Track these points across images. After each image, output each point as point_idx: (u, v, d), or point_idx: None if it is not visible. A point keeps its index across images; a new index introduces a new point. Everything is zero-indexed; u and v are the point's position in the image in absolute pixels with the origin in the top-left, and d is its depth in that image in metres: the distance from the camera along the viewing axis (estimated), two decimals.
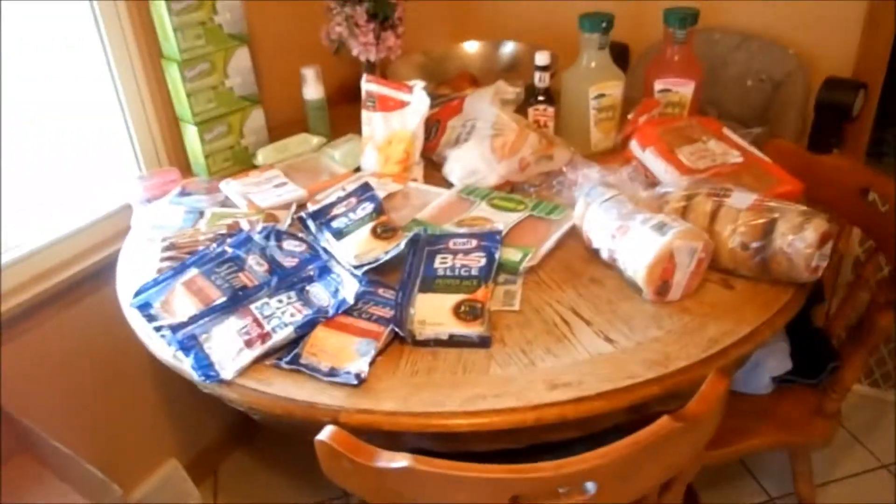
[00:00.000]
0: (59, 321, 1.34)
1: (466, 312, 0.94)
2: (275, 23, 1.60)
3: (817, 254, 0.94)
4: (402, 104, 1.31)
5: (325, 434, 0.76)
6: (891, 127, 3.25)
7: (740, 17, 1.56)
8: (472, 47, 1.65)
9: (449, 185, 1.29)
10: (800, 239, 0.93)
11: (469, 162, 1.25)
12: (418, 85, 1.28)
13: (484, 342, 0.92)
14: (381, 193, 1.23)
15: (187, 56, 1.32)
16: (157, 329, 0.98)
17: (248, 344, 0.92)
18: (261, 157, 1.41)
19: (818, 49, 1.50)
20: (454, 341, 0.92)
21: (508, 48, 1.63)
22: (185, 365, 0.93)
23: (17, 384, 1.29)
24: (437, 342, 0.92)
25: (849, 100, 1.38)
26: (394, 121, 1.31)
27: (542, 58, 1.30)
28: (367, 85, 1.33)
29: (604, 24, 1.27)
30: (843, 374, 1.18)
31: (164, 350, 0.97)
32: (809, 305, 1.30)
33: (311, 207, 1.21)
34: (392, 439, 0.86)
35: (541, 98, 1.33)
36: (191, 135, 1.40)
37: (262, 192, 1.29)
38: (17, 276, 1.27)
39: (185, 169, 1.46)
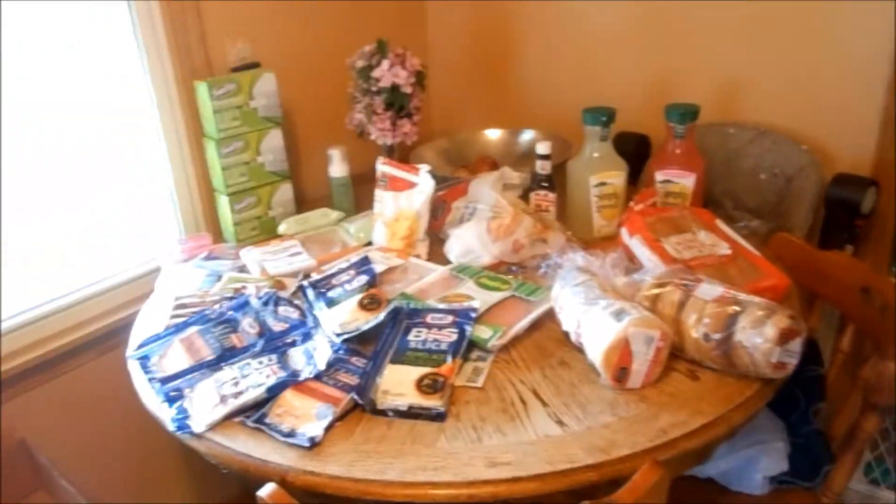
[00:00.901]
0: (86, 371, 1.47)
1: (428, 386, 0.98)
2: (309, 107, 1.75)
3: (778, 350, 0.93)
4: (411, 185, 1.39)
5: (265, 491, 0.81)
6: None
7: (755, 112, 1.58)
8: (493, 134, 1.74)
9: (449, 262, 1.35)
10: (758, 334, 0.93)
11: (466, 241, 1.31)
12: (424, 168, 1.37)
13: (439, 416, 0.95)
14: (382, 267, 1.30)
15: (224, 135, 1.47)
16: (150, 380, 1.07)
17: (223, 400, 0.99)
18: (283, 227, 1.52)
19: (834, 146, 1.49)
20: (411, 413, 0.96)
21: (527, 136, 1.71)
22: (165, 416, 1.01)
23: (42, 426, 1.41)
24: (396, 412, 0.96)
25: (858, 196, 1.36)
26: (402, 200, 1.39)
27: (543, 147, 1.36)
28: (382, 167, 1.43)
29: (604, 118, 1.33)
30: (833, 477, 1.13)
31: (152, 400, 1.05)
32: (810, 404, 1.27)
33: (314, 276, 1.30)
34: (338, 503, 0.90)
35: (543, 184, 1.38)
36: (223, 204, 1.53)
37: (276, 260, 1.39)
38: (58, 324, 1.41)
39: (218, 235, 1.59)
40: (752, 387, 0.97)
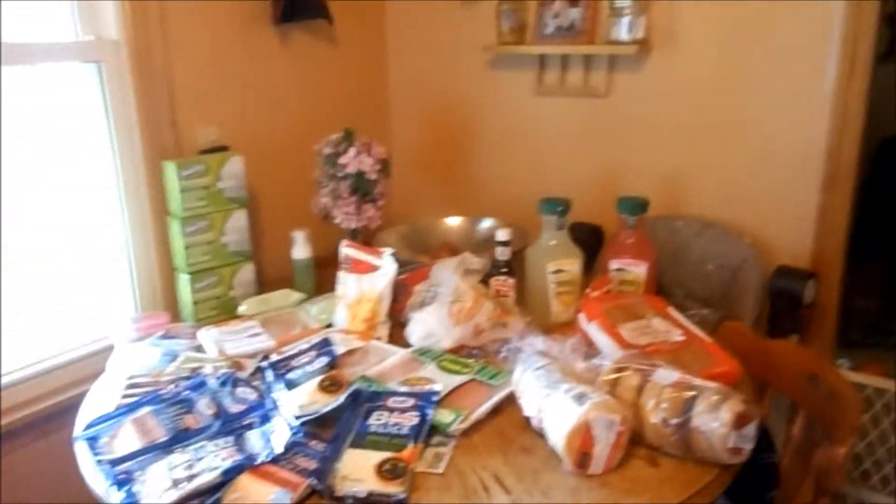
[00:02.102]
0: (27, 453, 1.40)
1: (389, 471, 0.97)
2: (273, 190, 1.79)
3: (734, 434, 0.95)
4: (374, 268, 1.41)
5: None
6: None
7: (700, 207, 1.68)
8: (453, 221, 1.79)
9: (410, 345, 1.35)
10: (715, 418, 0.95)
11: (427, 325, 1.33)
12: (388, 252, 1.39)
13: (399, 503, 0.93)
14: (342, 349, 1.30)
15: (188, 214, 1.48)
16: (98, 462, 1.03)
17: (175, 484, 0.96)
18: (243, 307, 1.51)
19: (774, 239, 1.58)
20: (371, 500, 0.94)
21: (486, 223, 1.76)
22: (114, 500, 0.96)
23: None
24: (355, 499, 0.94)
25: (799, 288, 1.43)
26: (364, 282, 1.41)
27: (502, 234, 1.41)
28: (345, 249, 1.45)
29: (560, 208, 1.39)
30: None
31: (100, 485, 1.01)
32: (765, 492, 1.28)
33: (274, 357, 1.28)
34: None
35: (502, 270, 1.42)
36: (183, 283, 1.52)
37: (235, 340, 1.38)
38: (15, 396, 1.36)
39: (176, 314, 1.57)
40: (711, 472, 0.98)
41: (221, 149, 1.63)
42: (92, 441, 1.07)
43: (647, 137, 1.75)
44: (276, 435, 1.05)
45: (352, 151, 1.49)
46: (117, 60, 1.46)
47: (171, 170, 1.46)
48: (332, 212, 1.55)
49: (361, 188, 1.51)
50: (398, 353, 1.30)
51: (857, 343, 3.04)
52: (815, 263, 1.54)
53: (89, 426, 1.10)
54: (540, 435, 1.07)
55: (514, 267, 1.43)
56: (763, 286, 1.50)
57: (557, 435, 0.98)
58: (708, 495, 0.96)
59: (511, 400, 1.15)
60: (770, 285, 1.47)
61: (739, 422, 0.95)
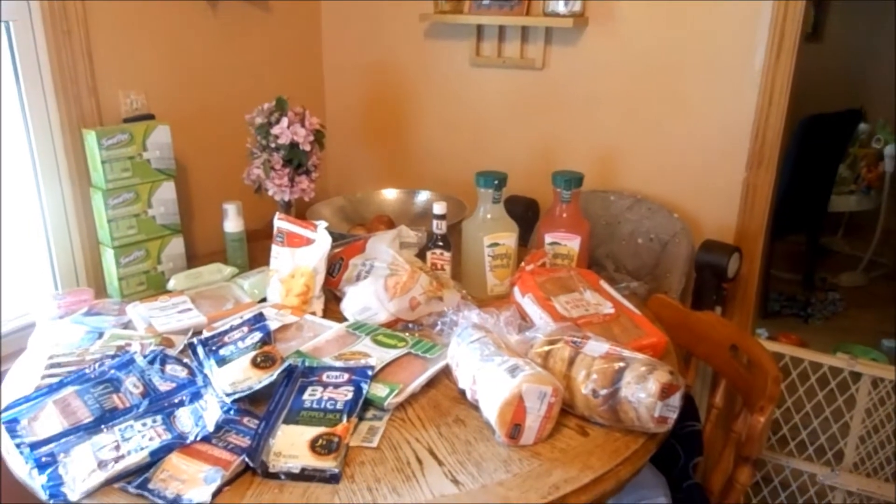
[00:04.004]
0: None
1: (322, 446, 0.97)
2: (203, 161, 1.73)
3: (660, 404, 0.98)
4: (308, 241, 1.39)
5: None
6: (817, 291, 3.42)
7: (633, 182, 1.71)
8: (389, 193, 1.78)
9: (345, 319, 1.34)
10: (642, 389, 0.98)
11: (363, 299, 1.32)
12: (322, 225, 1.37)
13: (333, 478, 0.93)
14: (276, 324, 1.28)
15: (112, 186, 1.41)
16: (18, 445, 0.99)
17: (101, 465, 0.93)
18: (173, 282, 1.47)
19: (703, 214, 1.63)
20: (305, 475, 0.94)
21: (422, 196, 1.76)
22: (36, 483, 0.93)
23: None
24: (288, 475, 0.94)
25: (722, 262, 1.49)
26: (298, 256, 1.38)
27: (439, 207, 1.40)
28: (279, 222, 1.42)
29: (496, 182, 1.39)
30: None
31: (21, 467, 0.97)
32: (689, 459, 1.34)
33: (205, 334, 1.25)
34: None
35: (439, 243, 1.42)
36: (108, 258, 1.46)
37: (164, 317, 1.34)
38: None
39: (101, 290, 1.51)
40: (638, 441, 1.02)
41: (147, 117, 1.56)
42: (11, 424, 1.02)
43: (582, 111, 1.77)
44: (207, 413, 1.03)
45: (284, 121, 1.45)
46: (27, 19, 1.37)
47: (91, 139, 1.39)
48: (265, 184, 1.52)
49: (295, 159, 1.47)
50: (333, 328, 1.29)
51: (775, 314, 3.21)
52: (739, 238, 1.60)
53: (7, 408, 1.05)
54: (474, 407, 1.08)
55: (451, 240, 1.43)
56: (690, 260, 1.55)
57: (490, 407, 1.00)
58: (635, 463, 0.99)
59: (446, 373, 1.16)
60: (696, 259, 1.52)
61: (666, 392, 0.98)
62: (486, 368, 1.03)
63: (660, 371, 1.00)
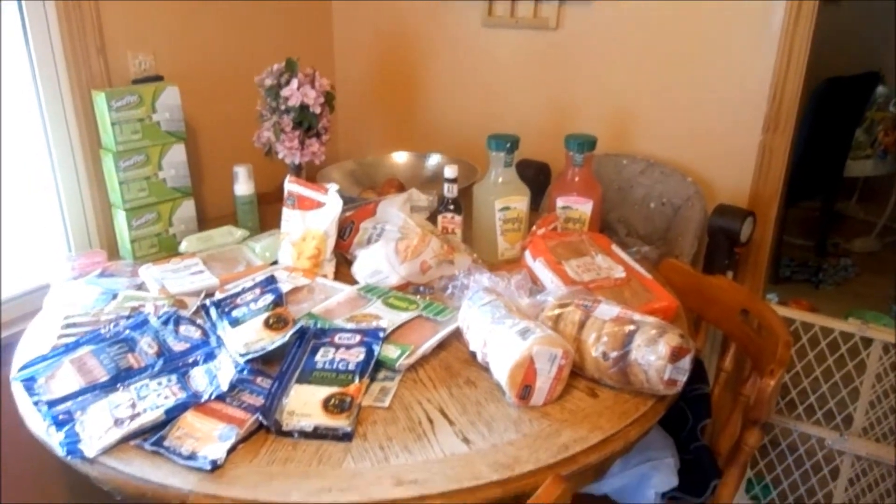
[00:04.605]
0: None
1: (335, 406, 0.98)
2: (213, 123, 1.72)
3: (670, 367, 0.99)
4: (319, 204, 1.39)
5: None
6: (829, 256, 3.40)
7: (646, 145, 1.69)
8: (400, 157, 1.77)
9: (356, 282, 1.35)
10: (652, 351, 0.99)
11: (374, 262, 1.32)
12: (333, 188, 1.37)
13: (346, 436, 0.94)
14: (288, 286, 1.28)
15: (123, 148, 1.41)
16: (36, 403, 1.01)
17: (117, 423, 0.95)
18: (184, 245, 1.47)
19: (717, 178, 1.62)
20: (318, 433, 0.95)
21: (433, 160, 1.75)
22: (53, 440, 0.95)
23: None
24: (301, 433, 0.95)
25: (735, 226, 1.48)
26: (309, 219, 1.39)
27: (450, 171, 1.40)
28: (290, 185, 1.42)
29: (508, 145, 1.38)
30: (720, 492, 1.21)
31: (38, 425, 0.99)
32: (697, 421, 1.35)
33: (218, 296, 1.26)
34: None
35: (450, 207, 1.42)
36: (120, 220, 1.47)
37: (177, 279, 1.35)
38: None
39: (113, 252, 1.52)
40: (647, 403, 1.02)
41: (156, 79, 1.55)
42: (29, 382, 1.04)
43: (596, 73, 1.74)
44: (221, 372, 1.04)
45: (294, 83, 1.44)
46: None
47: (101, 100, 1.38)
48: (275, 146, 1.51)
49: (305, 122, 1.46)
50: (344, 291, 1.29)
51: (786, 279, 3.20)
52: (753, 202, 1.58)
53: (24, 367, 1.06)
54: (484, 369, 1.09)
55: (462, 204, 1.43)
56: (703, 224, 1.54)
57: (501, 368, 1.00)
58: (644, 424, 1.00)
59: (457, 335, 1.17)
60: (709, 223, 1.51)
61: (676, 355, 0.99)
62: (497, 331, 1.04)
63: (670, 334, 1.00)
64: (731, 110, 1.59)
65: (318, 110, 1.48)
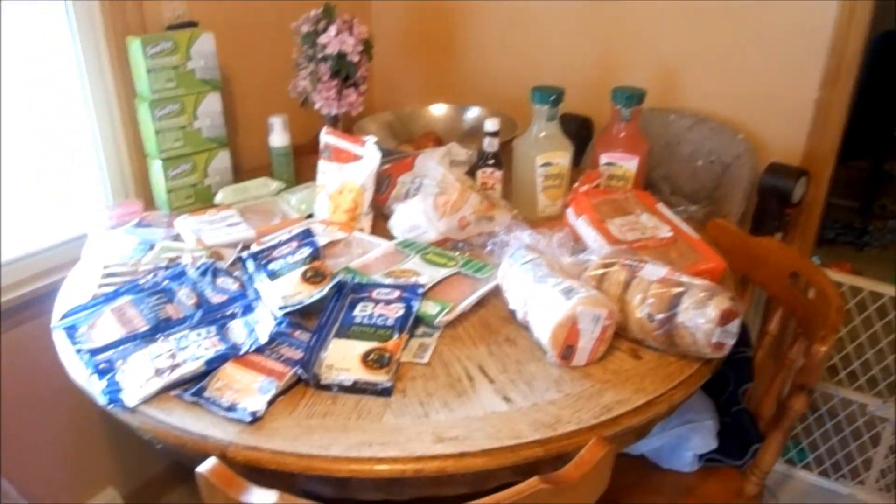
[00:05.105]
0: (3, 341, 1.37)
1: (374, 361, 0.97)
2: (251, 71, 1.69)
3: (718, 330, 0.96)
4: (356, 157, 1.36)
5: (206, 467, 0.78)
6: (876, 219, 3.30)
7: (695, 100, 1.62)
8: (438, 109, 1.72)
9: (393, 237, 1.33)
10: (701, 314, 0.95)
11: (412, 217, 1.30)
12: (370, 140, 1.34)
13: (385, 391, 0.94)
14: (324, 240, 1.27)
15: (158, 97, 1.39)
16: (78, 351, 1.01)
17: (158, 373, 0.95)
18: (220, 196, 1.46)
19: (768, 135, 1.55)
20: (357, 388, 0.94)
21: (472, 112, 1.70)
22: (95, 389, 0.95)
23: None
24: (341, 387, 0.94)
25: (789, 186, 1.42)
26: (346, 172, 1.36)
27: (491, 124, 1.35)
28: (326, 137, 1.39)
29: (553, 98, 1.33)
30: (761, 457, 1.18)
31: (81, 373, 1.00)
32: (739, 385, 1.32)
33: (254, 248, 1.25)
34: (284, 480, 0.87)
35: (489, 162, 1.38)
36: (156, 170, 1.46)
37: (213, 230, 1.34)
38: None
39: (149, 202, 1.51)
40: (692, 366, 0.99)
41: (189, 25, 1.52)
42: (70, 330, 1.05)
43: (643, 23, 1.67)
44: (259, 325, 1.04)
45: (332, 30, 1.39)
46: None
47: (136, 47, 1.36)
48: (311, 96, 1.47)
49: (343, 71, 1.42)
50: (382, 245, 1.27)
51: (829, 241, 3.11)
52: (807, 161, 1.51)
53: (66, 315, 1.07)
54: (524, 327, 1.07)
55: (502, 159, 1.39)
56: (752, 183, 1.48)
57: (543, 327, 0.98)
58: (688, 388, 0.97)
59: (496, 293, 1.14)
60: (760, 182, 1.45)
61: (725, 318, 0.95)
62: (540, 290, 1.01)
63: (720, 297, 0.97)
64: (787, 63, 1.51)
65: (356, 59, 1.43)
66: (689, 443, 1.26)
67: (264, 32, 1.70)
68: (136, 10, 1.45)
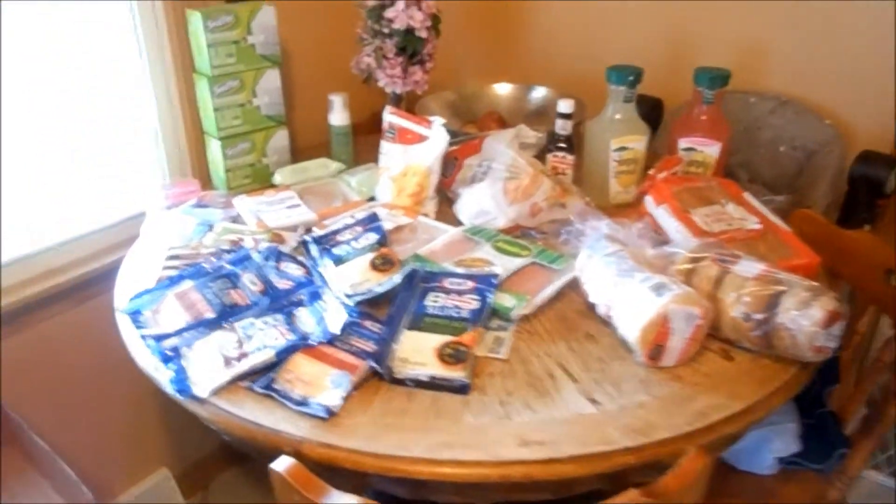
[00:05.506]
0: (64, 319, 1.36)
1: (450, 355, 0.92)
2: (310, 47, 1.63)
3: (823, 333, 0.89)
4: (421, 138, 1.30)
5: (280, 464, 0.74)
6: None
7: (778, 82, 1.52)
8: (502, 89, 1.65)
9: (459, 222, 1.28)
10: (804, 316, 0.88)
11: (480, 202, 1.24)
12: (438, 121, 1.28)
13: (463, 388, 0.89)
14: (389, 225, 1.22)
15: (218, 72, 1.35)
16: (144, 337, 0.98)
17: (227, 363, 0.91)
18: (279, 177, 1.42)
19: (858, 121, 1.44)
20: (433, 384, 0.90)
21: (538, 93, 1.62)
22: (162, 377, 0.92)
23: (15, 377, 1.31)
24: (416, 382, 0.90)
25: (882, 175, 1.32)
26: (411, 154, 1.31)
27: (565, 105, 1.28)
28: (389, 116, 1.34)
29: (631, 78, 1.26)
30: (849, 462, 1.12)
31: (146, 359, 0.97)
32: (823, 386, 1.24)
33: (317, 232, 1.21)
34: (358, 479, 0.83)
35: (561, 145, 1.31)
36: (214, 149, 1.42)
37: (273, 212, 1.30)
38: (26, 271, 1.30)
39: (206, 182, 1.48)
40: (788, 370, 0.93)
41: None
42: (135, 315, 1.02)
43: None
44: (328, 314, 0.99)
45: (400, 4, 1.33)
46: None
47: (196, 20, 1.31)
48: (376, 73, 1.41)
49: (410, 47, 1.36)
50: (449, 232, 1.22)
51: None
52: None
53: (132, 299, 1.04)
54: (604, 322, 1.01)
55: (574, 142, 1.32)
56: (840, 172, 1.39)
57: (631, 325, 0.92)
58: (786, 394, 0.91)
59: (573, 285, 1.08)
60: (851, 171, 1.35)
61: (830, 321, 0.88)
62: (626, 285, 0.95)
63: (825, 298, 0.89)
64: (880, 43, 1.40)
65: (423, 35, 1.37)
66: (771, 445, 1.20)
67: (322, 6, 1.64)
68: None
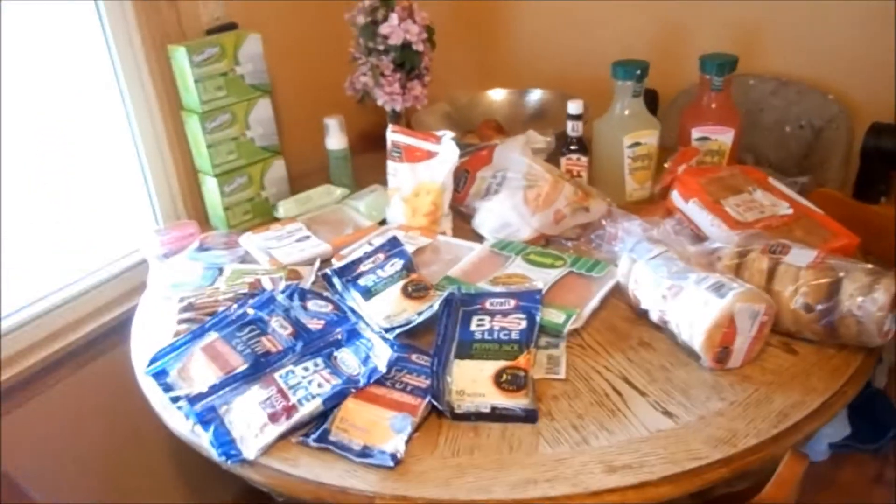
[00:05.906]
0: (69, 384, 1.27)
1: (509, 382, 0.87)
2: (297, 73, 1.56)
3: (890, 316, 0.86)
4: (430, 154, 1.25)
5: None
6: None
7: (775, 62, 1.51)
8: (497, 95, 1.61)
9: (479, 237, 1.23)
10: (870, 301, 0.86)
11: (501, 214, 1.19)
12: (447, 135, 1.23)
13: (530, 416, 0.84)
14: (409, 248, 1.17)
15: (208, 108, 1.28)
16: (174, 400, 0.91)
17: (273, 418, 0.85)
18: (282, 209, 1.35)
19: (860, 94, 1.43)
20: (497, 415, 0.84)
21: (534, 95, 1.59)
22: (203, 440, 0.85)
23: (22, 448, 1.21)
24: (479, 416, 0.85)
25: (895, 146, 1.32)
26: (421, 172, 1.25)
27: (574, 106, 1.25)
28: (393, 135, 1.28)
29: (638, 72, 1.23)
30: None
31: (180, 423, 0.89)
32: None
33: (337, 263, 1.15)
34: None
35: (574, 147, 1.28)
36: (210, 187, 1.35)
37: (283, 247, 1.24)
38: (23, 340, 1.20)
39: (203, 222, 1.40)
40: (857, 357, 0.90)
41: (230, 27, 1.40)
42: (159, 376, 0.94)
43: None
44: (373, 352, 0.93)
45: (394, 18, 1.28)
46: None
47: (181, 55, 1.24)
48: (373, 92, 1.36)
49: (407, 62, 1.31)
50: (475, 249, 1.17)
51: None
52: None
53: (153, 360, 0.96)
54: (655, 327, 0.97)
55: (587, 143, 1.28)
56: (849, 147, 1.38)
57: (695, 329, 0.88)
58: (859, 381, 0.88)
59: (613, 292, 1.04)
60: (863, 144, 1.34)
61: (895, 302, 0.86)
62: (681, 287, 0.91)
63: (886, 280, 0.87)
64: (878, 14, 1.39)
65: (420, 48, 1.32)
66: (823, 431, 1.17)
67: (304, 31, 1.58)
68: (172, 9, 1.32)
